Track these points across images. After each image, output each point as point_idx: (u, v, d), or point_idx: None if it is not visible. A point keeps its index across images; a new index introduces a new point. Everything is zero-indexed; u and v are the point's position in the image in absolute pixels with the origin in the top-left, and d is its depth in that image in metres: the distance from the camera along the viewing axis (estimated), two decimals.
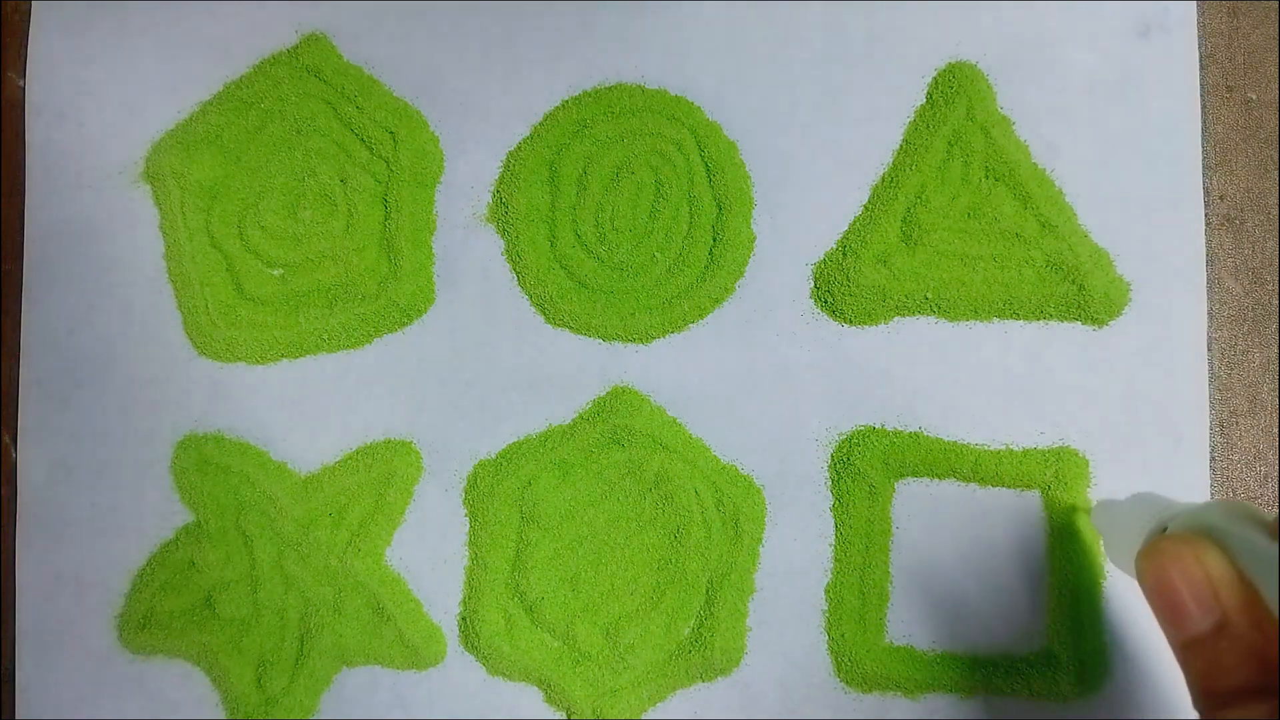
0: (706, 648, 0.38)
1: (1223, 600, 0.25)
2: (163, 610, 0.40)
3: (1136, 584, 0.37)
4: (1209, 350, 0.38)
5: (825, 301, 0.39)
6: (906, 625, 0.38)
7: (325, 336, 0.40)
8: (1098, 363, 0.38)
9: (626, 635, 0.38)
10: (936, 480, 0.38)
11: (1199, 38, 0.39)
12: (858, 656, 0.38)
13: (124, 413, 0.41)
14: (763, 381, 0.39)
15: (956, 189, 0.38)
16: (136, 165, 0.41)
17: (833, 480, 0.39)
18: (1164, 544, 0.26)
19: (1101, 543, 0.34)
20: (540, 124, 0.40)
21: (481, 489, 0.39)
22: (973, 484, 0.38)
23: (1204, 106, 0.39)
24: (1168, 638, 0.27)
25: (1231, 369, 0.38)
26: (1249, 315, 0.39)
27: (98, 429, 0.41)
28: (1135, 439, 0.38)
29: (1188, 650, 0.26)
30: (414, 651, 0.39)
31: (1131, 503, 0.33)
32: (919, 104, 0.39)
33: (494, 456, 0.40)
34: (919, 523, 0.38)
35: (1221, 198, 0.39)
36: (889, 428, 0.39)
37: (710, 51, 0.40)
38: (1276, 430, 0.38)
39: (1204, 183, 0.38)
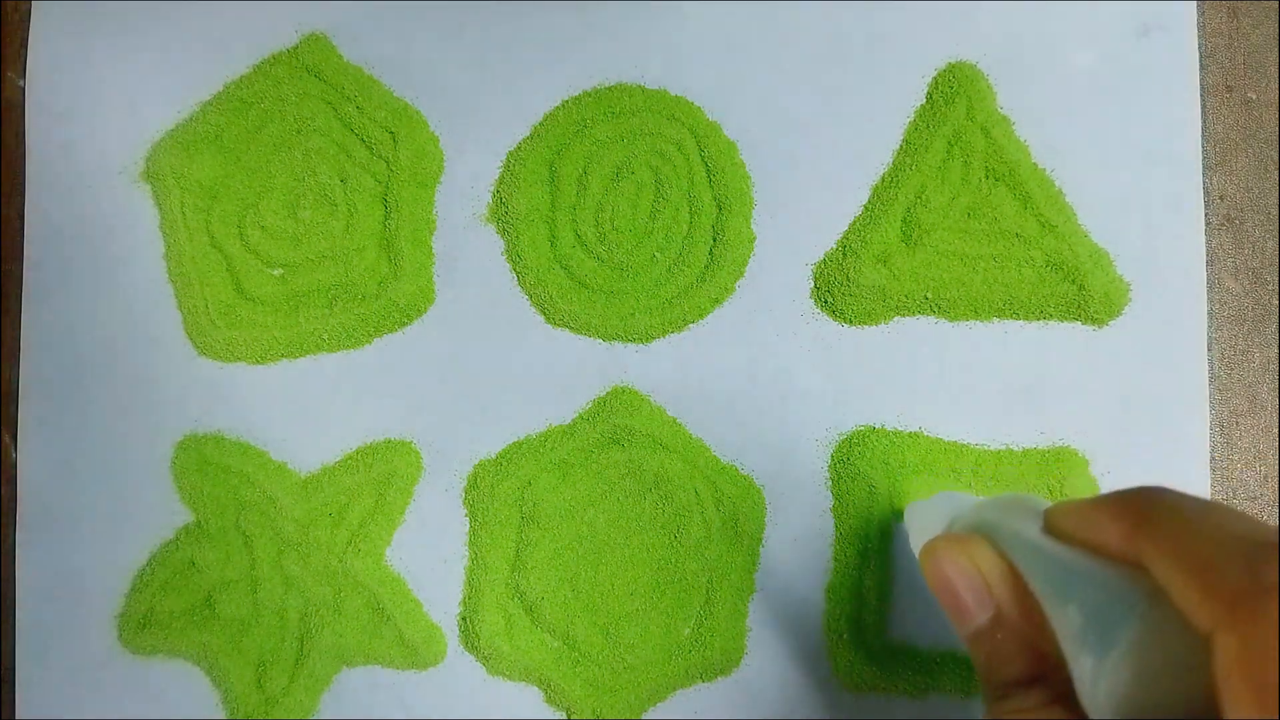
0: (706, 648, 0.38)
1: (996, 594, 0.26)
2: (163, 610, 0.40)
3: None
4: (1209, 350, 0.38)
5: (825, 301, 0.39)
6: (906, 625, 0.38)
7: (325, 336, 0.40)
8: (1098, 363, 0.38)
9: (626, 635, 0.38)
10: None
11: (1199, 38, 0.39)
12: (858, 656, 0.38)
13: (124, 413, 0.41)
14: (763, 381, 0.39)
15: (956, 189, 0.38)
16: (136, 165, 0.41)
17: (833, 480, 0.39)
18: (938, 543, 0.27)
19: (910, 543, 0.35)
20: (540, 124, 0.40)
21: (481, 489, 0.39)
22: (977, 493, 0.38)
23: (1204, 106, 0.39)
24: (958, 634, 0.27)
25: (1231, 369, 0.38)
26: (1249, 315, 0.39)
27: (98, 429, 0.41)
28: (1135, 439, 0.38)
29: (972, 644, 0.27)
30: (414, 651, 0.39)
31: (933, 502, 0.34)
32: (919, 104, 0.39)
33: (494, 456, 0.40)
34: None
35: (1221, 198, 0.39)
36: (889, 428, 0.39)
37: (710, 51, 0.40)
38: (1276, 430, 0.38)
39: (1204, 183, 0.38)
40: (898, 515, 0.38)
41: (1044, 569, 0.24)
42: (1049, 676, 0.25)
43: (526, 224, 0.40)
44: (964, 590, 0.26)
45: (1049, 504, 0.27)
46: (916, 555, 0.33)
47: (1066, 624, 0.23)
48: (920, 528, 0.33)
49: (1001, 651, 0.26)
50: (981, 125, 0.39)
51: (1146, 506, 0.23)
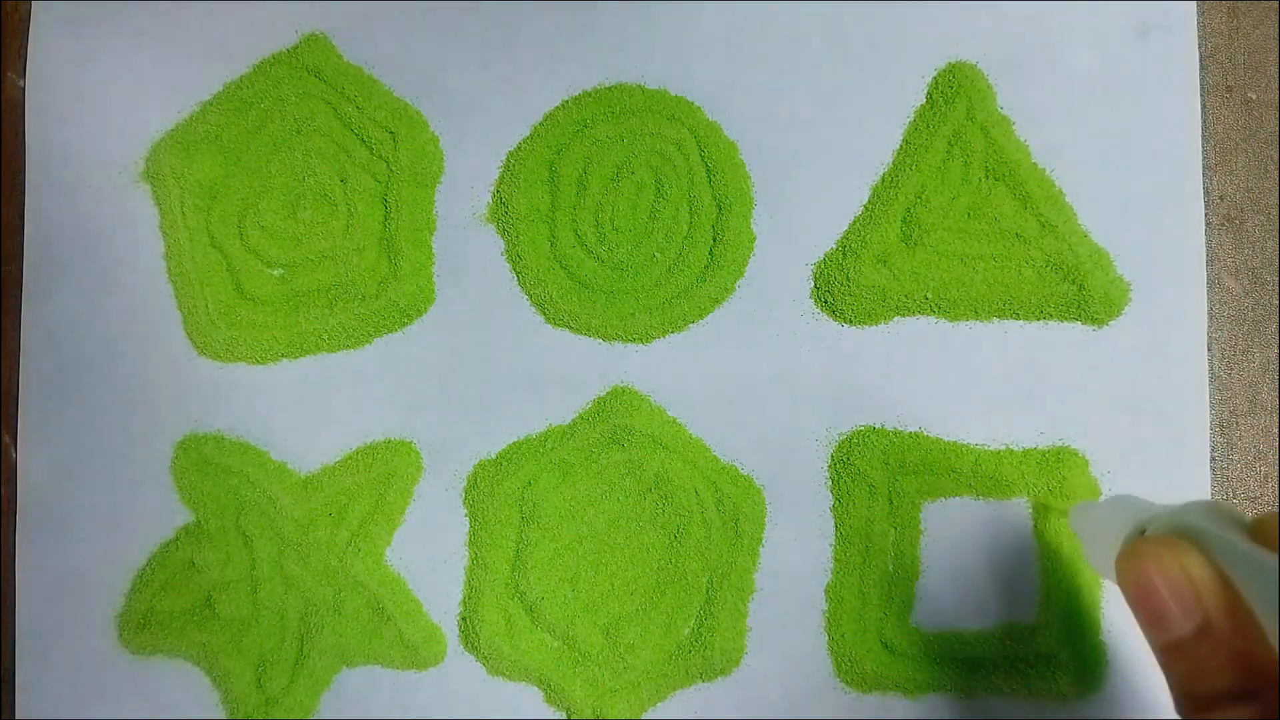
0: (706, 648, 0.38)
1: (1205, 602, 0.25)
2: (163, 610, 0.40)
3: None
4: (1209, 350, 0.38)
5: (825, 301, 0.39)
6: (907, 625, 0.38)
7: (325, 336, 0.40)
8: (1098, 363, 0.38)
9: (626, 635, 0.38)
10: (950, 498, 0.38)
11: (1199, 38, 0.39)
12: (858, 656, 0.38)
13: (124, 413, 0.41)
14: (763, 381, 0.39)
15: (956, 189, 0.38)
16: (136, 165, 0.41)
17: (833, 480, 0.39)
18: (1144, 546, 0.26)
19: (1081, 546, 0.34)
20: (540, 124, 0.40)
21: (481, 489, 0.39)
22: (980, 496, 0.38)
23: (1204, 106, 0.39)
24: (1149, 641, 0.26)
25: (1231, 369, 0.38)
26: (1249, 315, 0.39)
27: (98, 429, 0.41)
28: (1135, 439, 0.38)
29: (1169, 653, 0.26)
30: (414, 651, 0.39)
31: (1109, 505, 0.33)
32: (919, 104, 0.39)
33: (494, 456, 0.40)
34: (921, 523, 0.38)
35: (1221, 198, 0.39)
36: (889, 428, 0.39)
37: (710, 52, 0.40)
38: (1276, 430, 0.38)
39: (1204, 183, 0.38)
40: (1055, 518, 0.37)
41: (1262, 581, 0.23)
42: (1260, 693, 0.24)
43: (526, 224, 0.40)
44: (1170, 597, 0.25)
45: (1247, 515, 0.26)
46: (1089, 560, 0.33)
47: None
48: (1098, 531, 0.32)
49: (1206, 663, 0.25)
50: (981, 125, 0.39)
51: None
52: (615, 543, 0.39)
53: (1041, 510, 0.37)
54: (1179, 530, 0.26)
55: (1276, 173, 0.39)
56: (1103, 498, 0.36)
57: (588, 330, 0.40)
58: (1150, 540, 0.26)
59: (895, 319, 0.39)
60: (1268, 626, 0.23)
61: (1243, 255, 0.39)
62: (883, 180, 0.39)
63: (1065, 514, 0.37)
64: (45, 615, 0.40)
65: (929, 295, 0.38)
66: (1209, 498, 0.38)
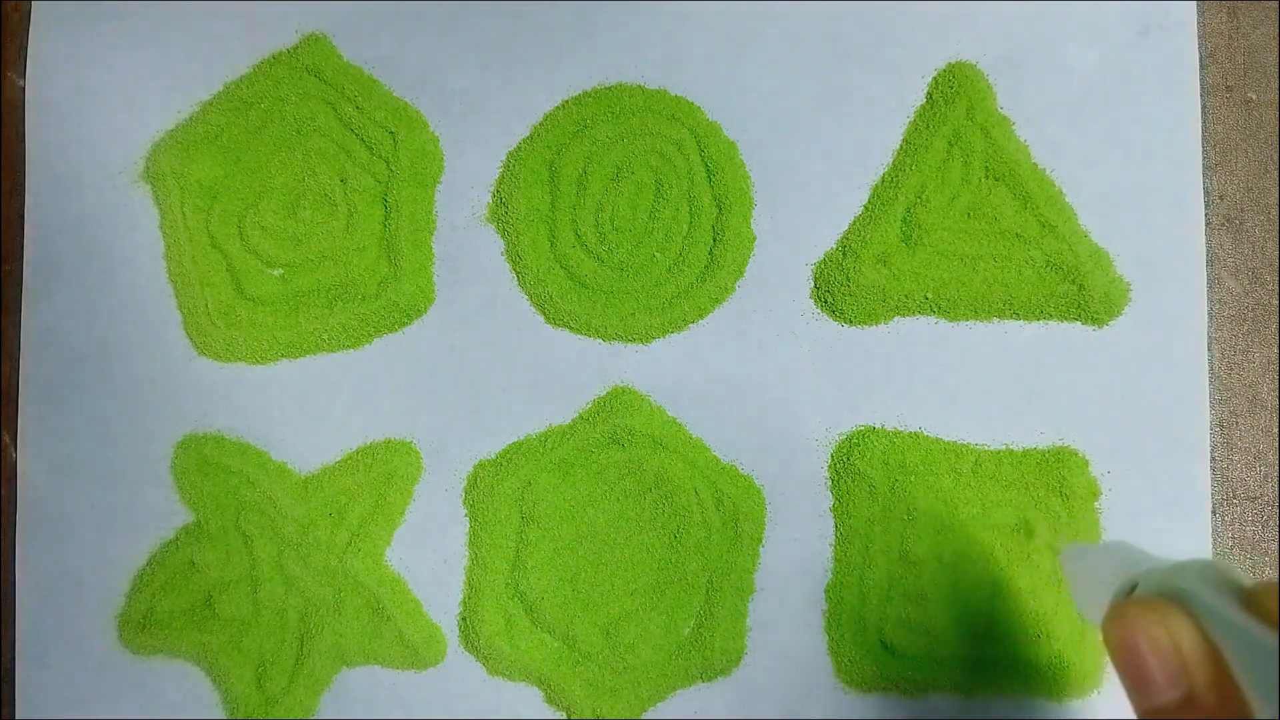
0: (706, 648, 0.38)
1: (1191, 674, 0.24)
2: (163, 610, 0.40)
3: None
4: (1209, 350, 0.38)
5: (825, 301, 0.39)
6: (907, 625, 0.38)
7: (325, 336, 0.40)
8: (1098, 363, 0.38)
9: (626, 635, 0.38)
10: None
11: (1199, 38, 0.39)
12: (858, 656, 0.38)
13: (124, 413, 0.41)
14: (763, 381, 0.39)
15: (956, 189, 0.38)
16: (136, 165, 0.41)
17: (833, 480, 0.39)
18: (1131, 609, 0.25)
19: (1070, 588, 0.33)
20: (540, 124, 0.40)
21: (481, 489, 0.39)
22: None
23: (1204, 106, 0.39)
24: (1132, 704, 0.25)
25: (1231, 369, 0.38)
26: (1249, 315, 0.39)
27: (98, 429, 0.41)
28: (1135, 439, 0.38)
29: (1150, 718, 0.25)
30: (414, 651, 0.39)
31: (1102, 551, 0.32)
32: (919, 104, 0.39)
33: (494, 456, 0.40)
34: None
35: (1221, 198, 0.39)
36: (889, 428, 0.39)
37: (710, 51, 0.40)
38: (1276, 430, 0.38)
39: (1204, 183, 0.38)
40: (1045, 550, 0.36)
41: (1253, 657, 0.22)
42: None
43: (526, 224, 0.40)
44: (1155, 665, 0.24)
45: (1246, 577, 0.25)
46: (1077, 605, 0.32)
47: None
48: (1089, 578, 0.31)
49: None
50: (981, 125, 0.39)
51: None
52: (615, 543, 0.39)
53: (1027, 529, 0.37)
54: (1170, 593, 0.25)
55: (1276, 173, 0.39)
56: (1100, 541, 0.35)
57: (588, 330, 0.40)
58: (1139, 603, 0.25)
59: (895, 319, 0.39)
60: (1255, 705, 0.22)
61: (1243, 255, 0.39)
62: (883, 180, 0.39)
63: (1052, 543, 0.36)
64: (45, 615, 0.40)
65: (929, 295, 0.38)
66: (1209, 556, 0.36)
